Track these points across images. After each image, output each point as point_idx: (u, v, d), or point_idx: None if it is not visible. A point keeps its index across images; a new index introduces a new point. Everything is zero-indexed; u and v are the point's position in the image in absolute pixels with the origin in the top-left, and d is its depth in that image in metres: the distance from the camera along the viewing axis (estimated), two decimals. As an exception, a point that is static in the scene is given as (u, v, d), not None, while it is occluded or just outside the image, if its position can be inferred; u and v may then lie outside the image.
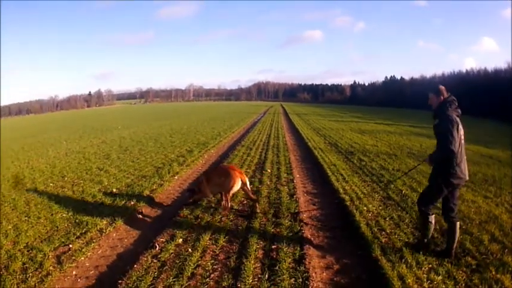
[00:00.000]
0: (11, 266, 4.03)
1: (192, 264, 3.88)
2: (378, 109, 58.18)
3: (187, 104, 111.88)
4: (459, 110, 3.88)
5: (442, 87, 3.94)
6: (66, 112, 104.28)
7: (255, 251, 4.16)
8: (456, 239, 3.97)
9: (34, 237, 4.84)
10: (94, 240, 4.70)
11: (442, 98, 3.92)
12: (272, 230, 4.76)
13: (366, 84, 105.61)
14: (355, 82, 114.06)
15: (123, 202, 6.24)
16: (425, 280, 3.42)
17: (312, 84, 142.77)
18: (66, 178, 8.71)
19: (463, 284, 3.38)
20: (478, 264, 3.74)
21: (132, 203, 6.18)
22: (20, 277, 3.79)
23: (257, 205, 5.63)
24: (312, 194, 6.84)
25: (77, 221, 5.41)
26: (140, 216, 5.82)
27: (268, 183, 7.35)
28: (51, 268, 3.97)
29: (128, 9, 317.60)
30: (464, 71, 59.05)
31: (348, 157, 10.56)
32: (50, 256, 4.25)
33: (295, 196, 6.28)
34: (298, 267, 3.75)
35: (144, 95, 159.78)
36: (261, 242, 4.43)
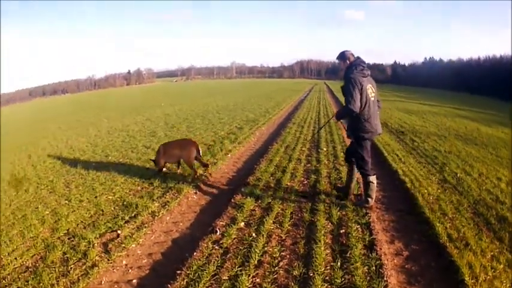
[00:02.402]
0: (48, 256, 3.61)
1: (258, 251, 3.46)
2: (419, 89, 58.46)
3: (230, 81, 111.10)
4: (366, 72, 4.10)
5: (348, 53, 4.22)
6: (104, 90, 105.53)
7: (324, 236, 3.72)
8: (353, 180, 4.67)
9: (76, 223, 4.46)
10: (146, 225, 4.27)
11: (348, 62, 4.18)
12: (338, 213, 4.28)
13: (406, 64, 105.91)
14: (395, 62, 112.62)
15: (175, 182, 5.76)
16: (489, 268, 3.22)
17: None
18: (109, 157, 8.51)
19: (523, 274, 3.12)
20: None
21: (186, 183, 5.72)
22: (60, 270, 3.36)
23: (208, 170, 6.13)
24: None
25: (124, 203, 5.03)
26: (195, 197, 5.39)
27: (326, 162, 6.88)
28: (97, 258, 3.56)
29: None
30: (498, 56, 59.17)
31: (400, 137, 10.30)
32: (96, 244, 3.83)
33: (355, 176, 5.79)
34: (370, 254, 3.36)
35: (185, 73, 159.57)
36: (328, 226, 3.99)
